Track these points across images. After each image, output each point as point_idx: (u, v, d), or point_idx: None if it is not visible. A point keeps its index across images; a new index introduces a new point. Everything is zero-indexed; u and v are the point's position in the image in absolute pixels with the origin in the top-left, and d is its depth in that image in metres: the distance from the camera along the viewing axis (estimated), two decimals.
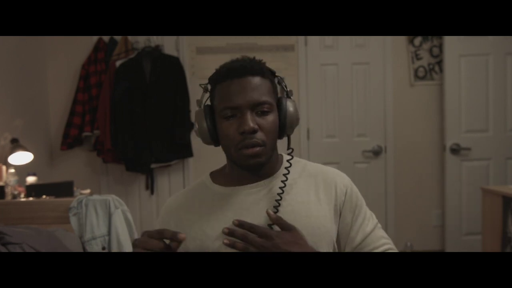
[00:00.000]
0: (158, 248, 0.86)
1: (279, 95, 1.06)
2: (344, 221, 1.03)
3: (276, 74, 1.07)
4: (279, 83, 1.06)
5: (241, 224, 0.94)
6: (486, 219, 2.86)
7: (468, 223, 3.61)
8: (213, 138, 1.03)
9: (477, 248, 3.20)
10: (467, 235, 3.62)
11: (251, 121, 0.96)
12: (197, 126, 1.03)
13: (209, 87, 1.05)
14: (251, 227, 0.93)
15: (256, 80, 0.99)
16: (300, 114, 3.83)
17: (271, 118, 1.00)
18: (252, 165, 0.99)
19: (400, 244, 3.69)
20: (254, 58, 1.04)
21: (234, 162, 1.03)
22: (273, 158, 1.06)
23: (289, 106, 1.03)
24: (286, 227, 0.94)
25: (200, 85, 1.06)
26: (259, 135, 0.97)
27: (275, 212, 0.98)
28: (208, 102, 1.05)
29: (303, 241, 0.94)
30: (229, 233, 0.93)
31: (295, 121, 1.04)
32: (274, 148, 1.03)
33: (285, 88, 1.06)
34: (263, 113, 0.99)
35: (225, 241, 0.92)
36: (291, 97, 1.06)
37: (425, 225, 3.76)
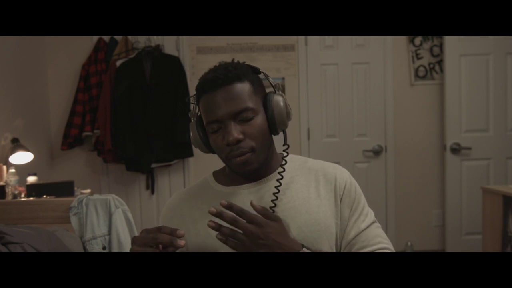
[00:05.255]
0: (154, 244, 0.86)
1: (267, 90, 1.05)
2: (342, 216, 1.04)
3: (261, 70, 1.05)
4: (266, 78, 1.05)
5: (230, 206, 0.90)
6: (486, 218, 2.86)
7: (468, 223, 3.61)
8: (209, 148, 1.05)
9: (477, 248, 3.20)
10: (467, 235, 3.62)
11: (234, 132, 0.96)
12: (192, 139, 1.05)
13: (195, 98, 1.05)
14: (240, 211, 0.90)
15: (233, 87, 0.97)
16: (300, 113, 3.77)
17: (257, 122, 0.98)
18: (246, 172, 1.00)
19: (400, 244, 3.69)
20: (231, 62, 1.02)
21: (230, 169, 1.05)
22: (269, 158, 1.05)
23: (277, 101, 1.01)
24: (273, 218, 0.94)
25: (186, 99, 1.07)
26: (246, 143, 0.97)
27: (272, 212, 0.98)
28: (199, 113, 1.05)
29: (287, 232, 0.95)
30: (217, 214, 0.88)
31: (286, 115, 1.01)
32: (266, 150, 1.02)
33: (271, 83, 1.04)
34: (247, 120, 0.98)
35: (210, 223, 0.88)
36: (279, 91, 1.03)
37: (425, 225, 3.76)
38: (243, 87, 0.98)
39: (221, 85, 0.97)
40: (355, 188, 1.07)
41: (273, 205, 0.99)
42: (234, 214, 0.90)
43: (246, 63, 1.05)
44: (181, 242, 0.85)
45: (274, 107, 1.00)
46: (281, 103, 1.01)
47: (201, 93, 1.01)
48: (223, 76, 0.97)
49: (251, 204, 0.93)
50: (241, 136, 0.97)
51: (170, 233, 0.86)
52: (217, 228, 0.89)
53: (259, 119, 0.99)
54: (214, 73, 0.99)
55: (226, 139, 0.97)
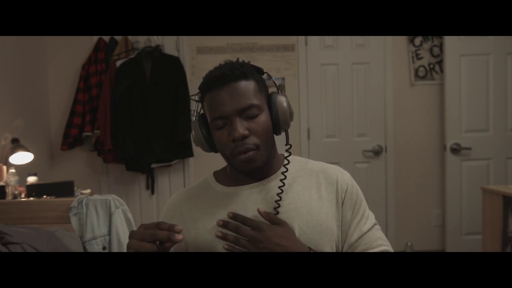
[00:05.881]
0: (152, 240, 0.86)
1: (270, 91, 1.06)
2: (344, 218, 1.04)
3: (265, 71, 1.06)
4: (268, 78, 1.06)
5: (234, 217, 0.97)
6: (486, 219, 2.86)
7: (468, 223, 3.61)
8: (211, 147, 1.05)
9: (477, 248, 3.20)
10: (467, 235, 3.62)
11: (240, 127, 0.96)
12: (195, 137, 1.05)
13: (199, 96, 1.05)
14: (243, 220, 0.96)
15: (240, 84, 0.98)
16: (300, 113, 3.77)
17: (262, 119, 0.99)
18: (249, 169, 1.00)
19: (400, 244, 3.69)
20: (237, 60, 1.04)
21: (234, 168, 1.05)
22: (271, 158, 1.06)
23: (280, 101, 1.02)
24: (277, 222, 0.97)
25: (190, 97, 1.08)
26: (251, 140, 0.98)
27: (276, 214, 0.99)
28: (202, 111, 1.06)
29: (293, 235, 0.97)
30: (223, 224, 0.96)
31: (289, 115, 1.02)
32: (269, 148, 1.02)
33: (275, 83, 1.06)
34: (252, 117, 0.98)
35: (217, 233, 0.96)
36: (282, 92, 1.05)
37: (425, 225, 3.76)
38: (249, 85, 0.99)
39: (227, 82, 0.98)
40: (357, 191, 1.07)
41: (277, 205, 0.99)
42: (238, 223, 0.95)
43: (250, 63, 1.05)
44: (179, 237, 0.85)
45: (278, 107, 1.01)
46: (285, 104, 1.02)
47: (206, 90, 1.01)
48: (230, 73, 0.98)
49: (258, 210, 0.97)
50: (246, 132, 0.97)
51: (168, 228, 0.86)
52: (223, 237, 0.95)
53: (264, 117, 1.00)
54: (220, 70, 1.00)
55: (232, 135, 0.97)
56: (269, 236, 0.93)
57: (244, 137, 0.97)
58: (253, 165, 0.99)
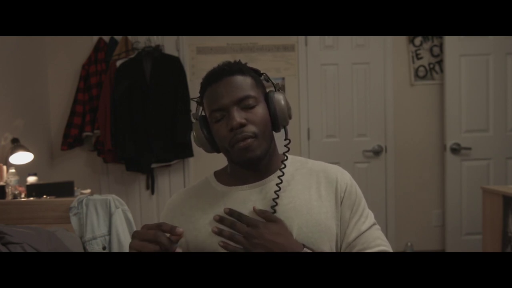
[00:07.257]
0: (155, 241, 0.86)
1: (269, 91, 1.08)
2: (343, 217, 1.04)
3: (262, 72, 1.09)
4: (266, 79, 1.09)
5: (230, 213, 0.99)
6: (486, 219, 2.86)
7: (468, 223, 3.61)
8: (214, 147, 1.07)
9: (477, 248, 3.20)
10: (467, 235, 3.62)
11: (237, 116, 0.98)
12: (196, 138, 1.07)
13: (199, 98, 1.08)
14: (239, 216, 0.99)
15: (236, 78, 1.02)
16: (300, 113, 3.77)
17: (259, 110, 1.01)
18: (248, 159, 1.01)
19: (400, 244, 3.69)
20: (234, 60, 1.07)
21: (233, 161, 1.05)
22: (271, 154, 1.07)
23: (278, 98, 1.04)
24: (272, 219, 0.98)
25: (191, 99, 1.11)
26: (249, 128, 0.99)
27: (273, 212, 1.00)
28: (203, 113, 1.08)
29: (288, 233, 0.98)
30: (219, 220, 0.99)
31: (287, 112, 1.05)
32: (268, 140, 1.03)
33: (273, 83, 1.08)
34: (250, 107, 1.01)
35: (214, 228, 0.98)
36: (280, 90, 1.07)
37: (425, 225, 3.76)
38: (246, 79, 1.03)
39: (224, 76, 1.01)
40: (356, 190, 1.07)
41: (274, 204, 1.00)
42: (234, 219, 0.97)
43: (247, 65, 1.08)
44: (180, 230, 0.86)
45: (276, 104, 1.03)
46: (282, 101, 1.04)
47: (205, 87, 1.04)
48: (228, 68, 1.02)
49: (253, 208, 0.99)
50: (244, 121, 0.99)
51: (170, 230, 0.87)
52: (219, 232, 0.97)
53: (261, 109, 1.02)
54: (219, 67, 1.04)
55: (230, 124, 0.98)
56: (263, 233, 0.95)
57: (242, 125, 0.99)
58: (251, 154, 1.00)
